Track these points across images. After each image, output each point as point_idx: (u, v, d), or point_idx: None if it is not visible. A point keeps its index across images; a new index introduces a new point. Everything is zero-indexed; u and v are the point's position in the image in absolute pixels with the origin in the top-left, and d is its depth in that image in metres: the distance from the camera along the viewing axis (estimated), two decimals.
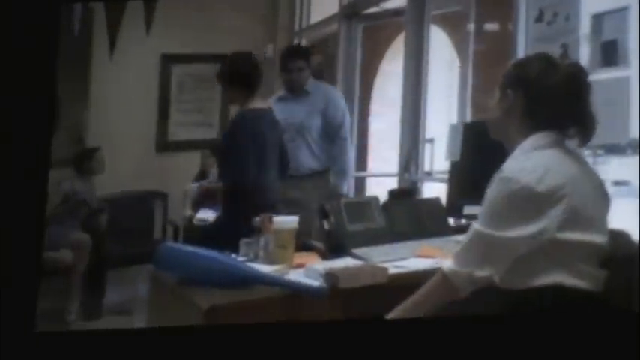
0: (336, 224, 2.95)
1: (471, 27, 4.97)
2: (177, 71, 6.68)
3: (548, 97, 2.23)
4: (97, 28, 6.60)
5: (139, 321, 4.66)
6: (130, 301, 4.96)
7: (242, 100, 3.84)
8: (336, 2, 6.24)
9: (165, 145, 6.34)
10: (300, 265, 2.74)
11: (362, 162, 6.53)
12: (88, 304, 5.29)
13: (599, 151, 3.46)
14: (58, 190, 5.44)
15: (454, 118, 5.01)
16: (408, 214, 3.15)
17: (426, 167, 5.13)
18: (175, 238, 5.57)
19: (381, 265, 2.66)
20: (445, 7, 5.24)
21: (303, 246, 2.97)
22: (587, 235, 2.15)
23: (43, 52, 2.74)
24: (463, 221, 3.52)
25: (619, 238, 2.26)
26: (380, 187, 5.65)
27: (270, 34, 6.78)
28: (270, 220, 2.85)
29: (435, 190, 4.92)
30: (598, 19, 3.69)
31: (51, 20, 2.76)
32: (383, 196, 3.30)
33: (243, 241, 2.96)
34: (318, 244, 2.98)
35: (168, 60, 6.73)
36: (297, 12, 6.97)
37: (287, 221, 2.83)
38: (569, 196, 2.13)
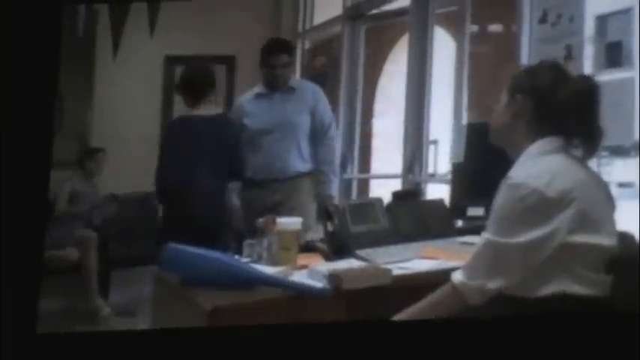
0: (340, 225, 2.94)
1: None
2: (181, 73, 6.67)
3: (558, 107, 2.23)
4: (101, 30, 6.62)
5: (142, 322, 4.67)
6: (134, 303, 4.96)
7: (190, 105, 4.18)
8: (339, 3, 6.24)
9: None
10: (303, 267, 2.74)
11: (365, 163, 6.53)
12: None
13: (604, 153, 3.45)
14: (61, 191, 5.45)
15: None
16: (411, 216, 3.15)
17: (430, 168, 5.12)
18: None
19: (384, 266, 2.66)
20: (442, 6, 5.24)
21: (306, 247, 2.97)
22: (596, 238, 2.15)
23: (45, 53, 2.73)
24: (460, 223, 3.52)
25: (624, 239, 2.26)
26: (383, 188, 5.64)
27: (274, 35, 6.78)
28: (274, 222, 2.84)
29: (439, 191, 4.92)
30: (602, 20, 3.69)
31: (53, 20, 2.76)
32: (386, 198, 3.29)
33: (246, 243, 2.96)
34: (322, 246, 2.98)
35: (172, 61, 6.74)
36: (301, 13, 6.97)
37: (290, 222, 2.83)
38: (578, 199, 2.13)
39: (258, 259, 2.83)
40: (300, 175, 4.31)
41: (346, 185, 6.10)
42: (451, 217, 3.35)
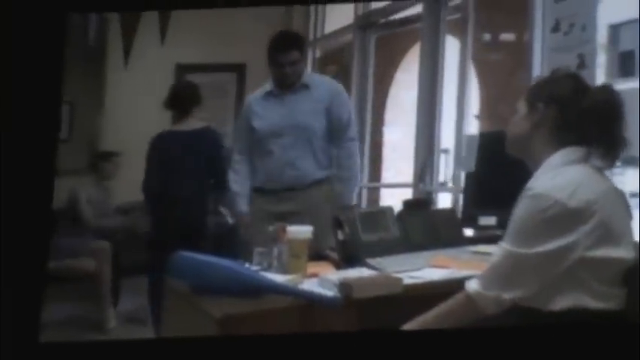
0: (351, 234, 2.93)
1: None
2: (192, 80, 6.68)
3: (580, 115, 2.22)
4: (113, 38, 6.64)
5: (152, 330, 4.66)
6: (144, 310, 4.96)
7: (176, 120, 4.66)
8: (351, 12, 6.24)
9: None
10: (313, 275, 2.72)
11: (376, 172, 6.53)
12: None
13: (617, 163, 3.43)
14: (81, 200, 5.46)
15: (470, 129, 5.00)
16: (422, 225, 3.13)
17: (441, 177, 5.11)
18: None
19: (395, 275, 2.64)
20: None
21: (316, 256, 2.95)
22: (614, 251, 2.13)
23: (50, 61, 2.73)
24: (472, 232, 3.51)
25: (637, 250, 2.24)
26: (394, 197, 5.64)
27: None
28: (284, 230, 2.83)
29: (449, 200, 4.91)
30: (615, 29, 3.68)
31: (58, 29, 2.76)
32: (397, 207, 3.28)
33: (256, 251, 2.95)
34: (332, 254, 2.97)
35: (183, 69, 6.76)
36: (312, 22, 6.98)
37: (301, 231, 2.82)
38: (600, 211, 2.11)
39: (269, 268, 2.82)
40: (317, 183, 3.91)
41: (358, 194, 6.10)
42: (462, 226, 3.33)
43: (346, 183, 3.95)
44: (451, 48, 5.22)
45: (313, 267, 2.81)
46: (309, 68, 6.91)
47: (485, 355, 2.33)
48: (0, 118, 2.66)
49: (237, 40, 6.44)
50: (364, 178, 6.19)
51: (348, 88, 6.23)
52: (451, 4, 5.08)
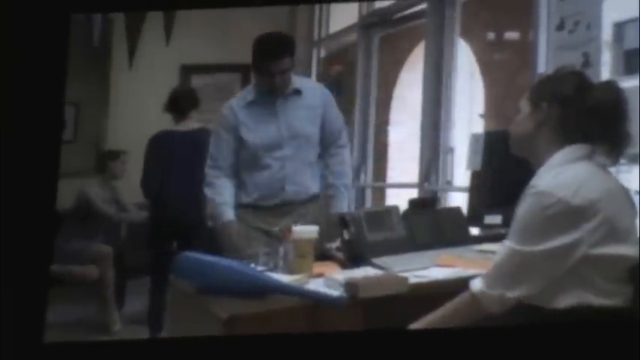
0: (356, 234, 2.93)
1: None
2: (197, 81, 6.69)
3: (584, 113, 2.22)
4: (117, 39, 6.64)
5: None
6: (148, 315, 4.96)
7: (175, 121, 4.86)
8: (355, 11, 6.24)
9: None
10: (319, 275, 2.72)
11: (381, 172, 6.52)
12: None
13: (622, 161, 3.43)
14: (82, 199, 5.46)
15: (475, 128, 4.99)
16: (428, 224, 3.13)
17: (447, 176, 5.11)
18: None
19: (401, 274, 2.64)
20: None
21: (322, 255, 2.95)
22: (619, 248, 2.13)
23: (53, 61, 2.74)
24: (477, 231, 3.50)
25: None
26: (399, 197, 5.63)
27: None
28: (290, 230, 2.83)
29: (455, 199, 4.90)
30: (620, 27, 3.67)
31: (61, 29, 2.76)
32: (402, 206, 3.28)
33: (262, 251, 2.95)
34: (338, 254, 2.97)
35: (188, 70, 6.76)
36: (316, 21, 6.98)
37: (306, 231, 2.82)
38: (604, 209, 2.11)
39: (274, 268, 2.82)
40: (314, 198, 3.61)
41: (360, 194, 6.10)
42: (468, 225, 3.33)
43: (339, 192, 3.65)
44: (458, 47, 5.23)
45: (319, 267, 2.80)
46: (313, 68, 6.93)
47: (490, 354, 2.33)
48: (3, 119, 2.66)
49: (242, 40, 6.41)
50: (368, 178, 6.19)
51: (352, 87, 6.24)
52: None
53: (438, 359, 2.36)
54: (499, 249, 2.26)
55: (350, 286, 2.49)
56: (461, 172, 4.87)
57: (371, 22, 6.10)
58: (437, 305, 2.29)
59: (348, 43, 6.58)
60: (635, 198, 2.36)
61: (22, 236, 2.63)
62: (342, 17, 6.57)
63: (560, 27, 3.83)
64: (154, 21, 6.55)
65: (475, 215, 3.50)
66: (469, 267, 2.69)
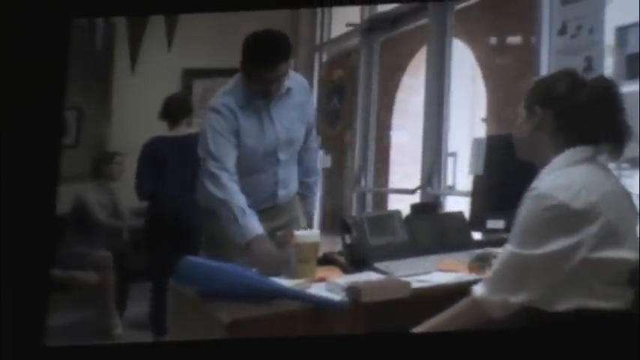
0: (358, 238, 2.93)
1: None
2: (199, 86, 6.69)
3: (579, 114, 2.21)
4: (119, 43, 6.64)
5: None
6: (149, 318, 4.96)
7: (170, 127, 4.97)
8: (357, 16, 6.24)
9: None
10: (321, 279, 2.72)
11: (383, 176, 6.52)
12: None
13: (624, 165, 3.43)
14: (78, 203, 5.45)
15: (477, 132, 4.99)
16: (430, 228, 3.13)
17: (449, 181, 5.11)
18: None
19: (403, 279, 2.64)
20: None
21: (324, 260, 2.95)
22: (619, 252, 2.13)
23: (54, 66, 2.74)
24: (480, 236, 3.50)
25: None
26: (401, 201, 5.63)
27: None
28: (292, 234, 2.83)
29: (456, 203, 4.90)
30: (622, 31, 3.67)
31: (62, 34, 2.76)
32: (405, 211, 3.28)
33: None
34: (340, 258, 2.97)
35: (190, 74, 6.76)
36: (318, 26, 6.97)
37: (309, 235, 2.82)
38: (605, 213, 2.11)
39: (276, 272, 2.82)
40: (295, 195, 3.50)
41: (362, 198, 6.10)
42: (470, 229, 3.33)
43: (311, 192, 3.56)
44: (457, 52, 5.23)
45: (321, 271, 2.80)
46: (315, 73, 6.93)
47: (490, 357, 2.33)
48: (3, 123, 2.66)
49: None
50: (369, 183, 6.19)
51: (354, 91, 6.24)
52: (457, 7, 5.08)
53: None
54: (500, 253, 2.25)
55: (352, 290, 2.49)
56: (463, 176, 4.87)
57: (372, 27, 6.10)
58: (439, 310, 2.29)
59: (349, 47, 6.58)
60: (637, 201, 2.35)
61: (22, 240, 2.63)
62: (344, 22, 6.56)
63: (563, 31, 3.83)
64: (156, 26, 6.55)
65: (477, 220, 3.50)
66: (473, 274, 2.69)
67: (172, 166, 4.80)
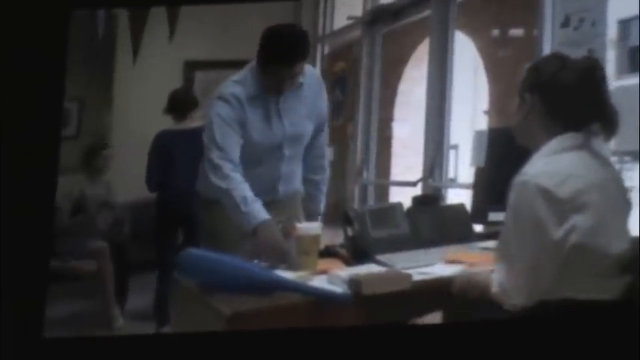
0: (360, 230, 2.93)
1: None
2: (201, 77, 6.69)
3: (565, 96, 2.21)
4: (121, 35, 6.63)
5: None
6: (152, 307, 4.97)
7: (176, 120, 5.04)
8: (359, 8, 6.23)
9: None
10: (323, 272, 2.72)
11: (384, 168, 6.52)
12: None
13: (626, 158, 3.42)
14: (63, 201, 5.45)
15: (479, 124, 4.99)
16: (432, 221, 3.12)
17: (451, 173, 5.11)
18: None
19: (405, 271, 2.64)
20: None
21: (326, 252, 2.95)
22: (607, 241, 2.11)
23: (53, 57, 2.73)
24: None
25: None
26: (403, 193, 5.63)
27: None
28: (294, 227, 2.83)
29: (458, 195, 4.90)
30: (625, 24, 3.66)
31: (61, 26, 2.76)
32: (406, 203, 3.28)
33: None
34: (342, 251, 2.96)
35: (191, 66, 6.75)
36: (320, 18, 6.97)
37: (310, 227, 2.82)
38: (593, 202, 2.10)
39: (278, 264, 2.82)
40: (297, 192, 3.43)
41: (363, 191, 6.10)
42: (472, 221, 3.33)
43: (319, 190, 3.46)
44: (459, 44, 5.22)
45: (323, 263, 2.80)
46: (317, 64, 6.92)
47: (488, 349, 2.33)
48: (2, 115, 2.66)
49: (246, 36, 6.41)
50: (371, 175, 6.19)
51: (357, 83, 6.23)
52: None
53: (439, 353, 2.35)
54: (497, 255, 2.25)
55: (354, 282, 2.49)
56: (465, 168, 4.87)
57: (375, 18, 6.09)
58: (440, 302, 2.29)
59: (352, 39, 6.57)
60: (634, 195, 2.35)
61: (21, 232, 2.63)
62: (346, 14, 6.56)
63: (565, 24, 3.83)
64: (158, 17, 6.54)
65: (479, 212, 3.50)
66: (476, 263, 2.69)
67: (180, 158, 4.83)
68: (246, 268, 2.59)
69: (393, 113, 6.55)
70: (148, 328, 4.85)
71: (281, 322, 2.41)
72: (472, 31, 5.51)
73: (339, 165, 6.54)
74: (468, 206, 3.42)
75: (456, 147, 5.15)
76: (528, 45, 4.73)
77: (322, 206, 3.47)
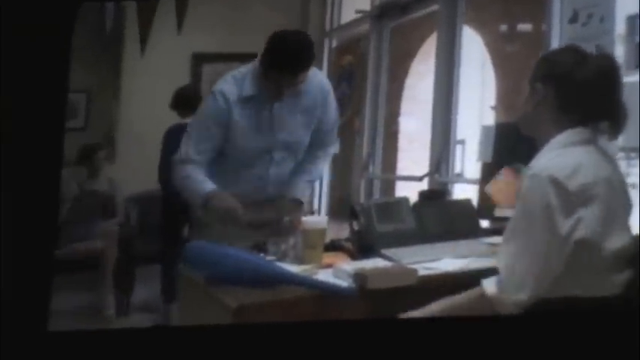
0: (366, 225, 2.93)
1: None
2: (208, 70, 6.70)
3: (580, 91, 2.19)
4: (129, 27, 6.64)
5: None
6: (159, 300, 4.99)
7: (183, 116, 5.07)
8: (367, 2, 6.23)
9: None
10: (328, 266, 2.72)
11: (391, 163, 6.52)
12: (117, 301, 5.31)
13: (633, 154, 3.42)
14: (70, 190, 5.48)
15: (486, 119, 4.98)
16: (438, 216, 3.12)
17: (457, 168, 5.10)
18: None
19: (410, 266, 2.64)
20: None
21: (332, 246, 2.95)
22: (610, 237, 2.11)
23: (57, 50, 2.73)
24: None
25: None
26: (409, 188, 5.63)
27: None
28: (299, 220, 2.83)
29: (464, 190, 4.90)
30: (633, 20, 3.65)
31: (66, 18, 2.76)
32: (412, 197, 3.27)
33: (271, 241, 2.95)
34: (347, 245, 2.97)
35: (199, 59, 6.76)
36: (328, 11, 6.97)
37: (316, 221, 2.82)
38: (601, 196, 2.10)
39: (283, 258, 2.82)
40: (287, 199, 3.30)
41: (369, 185, 6.11)
42: (478, 217, 3.32)
43: (307, 186, 3.36)
44: (467, 39, 5.22)
45: (328, 257, 2.80)
46: (324, 58, 6.92)
47: (490, 344, 2.32)
48: (8, 104, 2.66)
49: (254, 29, 6.42)
50: (377, 169, 6.19)
51: (364, 78, 6.23)
52: None
53: (442, 347, 2.35)
54: (502, 247, 2.23)
55: (359, 277, 2.49)
56: (471, 164, 4.87)
57: (383, 12, 6.09)
58: (446, 297, 2.29)
59: (359, 33, 6.57)
60: (634, 192, 2.35)
61: (25, 223, 2.63)
62: (355, 6, 6.55)
63: (574, 19, 3.82)
64: (166, 9, 6.55)
65: (486, 207, 3.50)
66: None
67: None
68: (251, 261, 2.59)
69: (400, 108, 6.55)
70: (153, 320, 4.87)
71: (286, 316, 2.41)
72: (480, 26, 5.50)
73: (345, 159, 6.55)
74: (475, 201, 3.42)
75: (462, 142, 5.15)
76: (536, 40, 4.72)
77: (304, 193, 3.34)
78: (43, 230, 2.64)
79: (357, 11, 6.41)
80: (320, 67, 6.86)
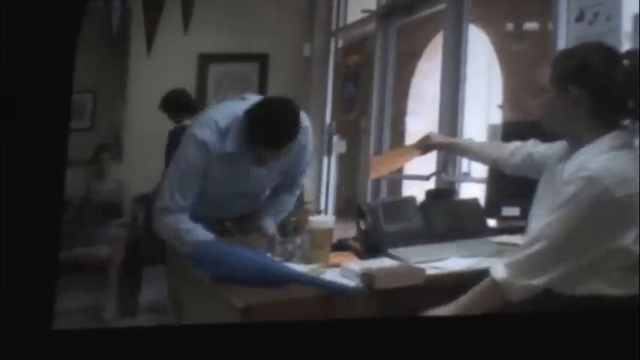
0: (373, 224, 2.92)
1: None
2: (215, 70, 6.70)
3: (616, 94, 2.17)
4: (135, 27, 6.65)
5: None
6: (166, 300, 4.98)
7: (177, 120, 5.27)
8: (374, 1, 6.23)
9: None
10: (335, 265, 2.72)
11: None
12: (124, 301, 5.32)
13: None
14: (76, 191, 5.50)
15: (493, 118, 4.98)
16: (445, 215, 3.12)
17: (464, 168, 5.09)
18: None
19: (417, 265, 2.64)
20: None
21: (339, 246, 2.95)
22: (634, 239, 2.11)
23: (63, 50, 2.73)
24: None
25: None
26: (416, 187, 5.62)
27: (308, 33, 6.79)
28: (306, 220, 2.83)
29: (471, 190, 4.89)
30: None
31: (72, 18, 2.76)
32: (419, 197, 3.27)
33: (278, 241, 2.95)
34: (355, 244, 2.97)
35: (206, 59, 6.76)
36: (335, 11, 6.97)
37: (323, 221, 2.82)
38: (637, 203, 2.08)
39: (291, 257, 2.82)
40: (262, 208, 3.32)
41: (376, 184, 6.10)
42: (485, 216, 3.32)
43: (276, 217, 3.32)
44: (473, 38, 5.21)
45: (335, 257, 2.81)
46: (331, 58, 6.92)
47: (502, 343, 2.32)
48: (13, 104, 2.66)
49: (260, 29, 6.43)
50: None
51: (370, 77, 6.23)
52: None
53: (451, 346, 2.35)
54: (532, 237, 2.20)
55: (366, 276, 2.49)
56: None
57: (389, 12, 6.09)
58: (454, 296, 2.29)
59: (366, 33, 6.56)
60: None
61: (29, 223, 2.63)
62: (361, 6, 6.55)
63: (580, 18, 3.81)
64: (172, 9, 6.56)
65: (492, 207, 3.50)
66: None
67: None
68: (259, 261, 2.59)
69: (407, 107, 6.54)
70: (161, 320, 4.87)
71: (293, 315, 2.41)
72: (486, 25, 5.50)
73: (352, 159, 6.55)
74: (482, 201, 3.41)
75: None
76: (543, 39, 4.71)
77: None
78: (47, 231, 2.64)
79: (363, 11, 6.41)
80: (326, 68, 6.88)
